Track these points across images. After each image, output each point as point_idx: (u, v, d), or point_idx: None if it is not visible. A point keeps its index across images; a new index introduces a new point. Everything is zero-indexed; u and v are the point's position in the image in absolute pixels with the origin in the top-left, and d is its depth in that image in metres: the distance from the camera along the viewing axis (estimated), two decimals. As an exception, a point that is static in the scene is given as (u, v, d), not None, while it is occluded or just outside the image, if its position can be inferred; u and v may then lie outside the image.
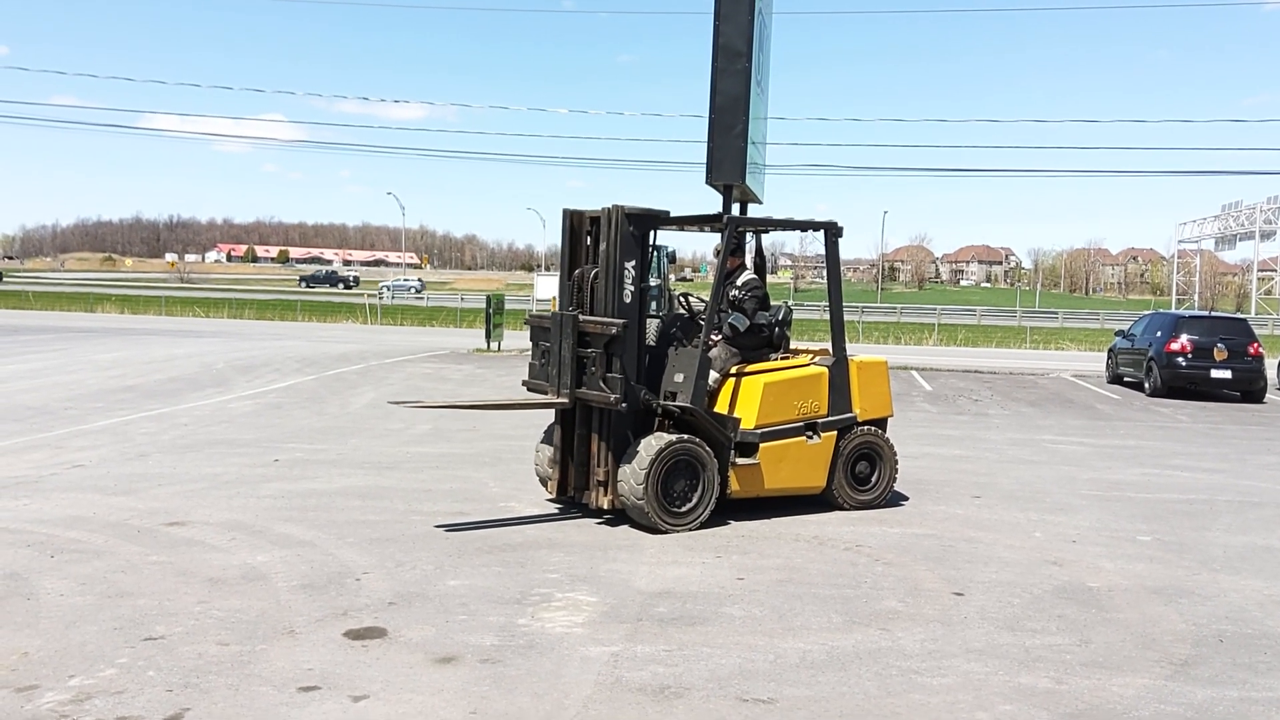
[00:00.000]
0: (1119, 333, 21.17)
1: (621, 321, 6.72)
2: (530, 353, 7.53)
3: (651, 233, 7.17)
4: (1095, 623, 5.27)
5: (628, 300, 6.87)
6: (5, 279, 73.06)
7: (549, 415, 7.48)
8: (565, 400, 6.94)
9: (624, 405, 6.72)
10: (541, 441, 7.69)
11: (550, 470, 7.38)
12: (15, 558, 5.76)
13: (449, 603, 5.22)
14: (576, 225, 7.24)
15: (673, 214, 7.43)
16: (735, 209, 7.86)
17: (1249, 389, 17.58)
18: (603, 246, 6.92)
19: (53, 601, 5.04)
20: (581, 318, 6.90)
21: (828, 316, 8.09)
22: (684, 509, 6.88)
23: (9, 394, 13.02)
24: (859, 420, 7.74)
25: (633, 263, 6.89)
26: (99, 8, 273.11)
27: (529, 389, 7.37)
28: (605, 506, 6.97)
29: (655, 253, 7.54)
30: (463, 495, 7.82)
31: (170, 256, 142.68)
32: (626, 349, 6.77)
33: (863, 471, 7.78)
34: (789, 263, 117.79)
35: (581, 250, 7.23)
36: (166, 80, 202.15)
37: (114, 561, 5.75)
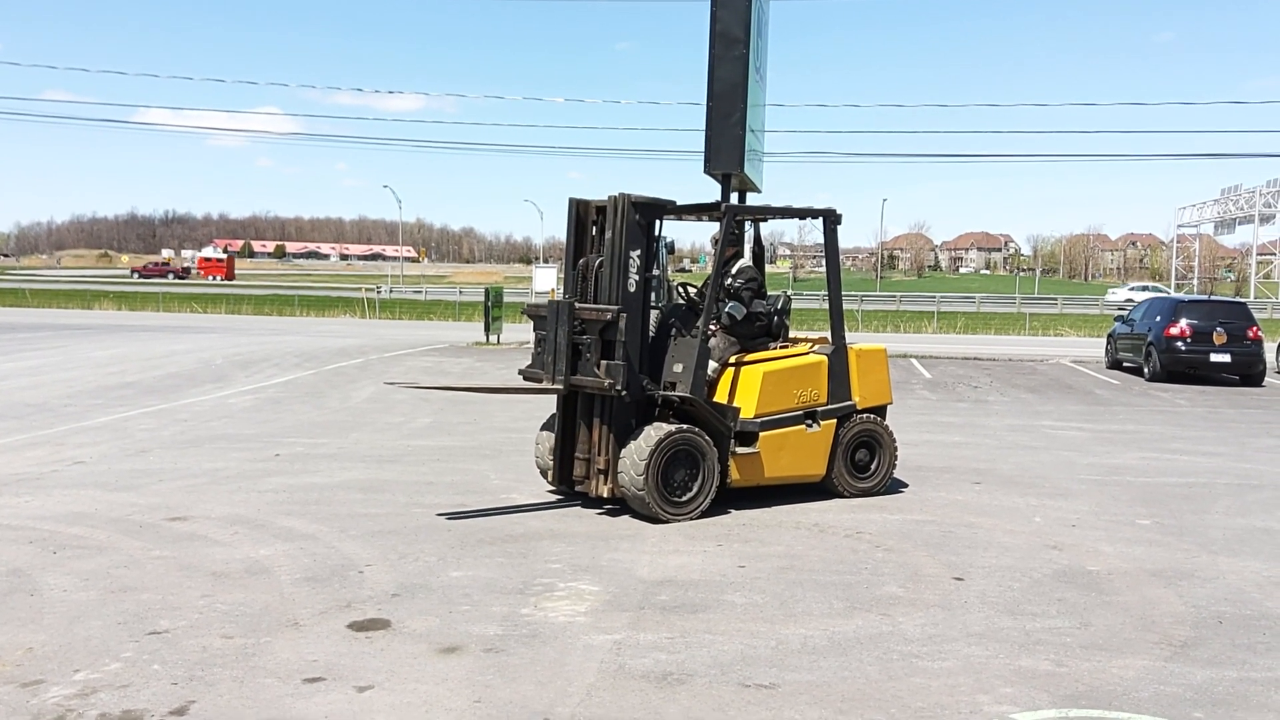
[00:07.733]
0: (1118, 318, 21.17)
1: (616, 307, 6.71)
2: (533, 343, 7.52)
3: (657, 222, 7.16)
4: (1095, 606, 5.30)
5: (632, 289, 6.86)
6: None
7: (550, 407, 7.49)
8: (560, 387, 6.95)
9: (625, 392, 6.71)
10: (542, 429, 7.69)
11: (550, 460, 7.39)
12: (18, 554, 5.78)
13: (452, 593, 5.24)
14: (583, 215, 7.24)
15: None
16: (734, 197, 7.85)
17: (1248, 373, 17.61)
18: (608, 235, 6.91)
19: (56, 597, 5.06)
20: (577, 304, 6.90)
21: (827, 305, 8.08)
22: (684, 498, 6.90)
23: (9, 391, 13.03)
24: (858, 408, 7.75)
25: (638, 251, 6.89)
26: (88, 1, 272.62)
27: (526, 378, 7.37)
28: (605, 495, 6.98)
29: (655, 243, 7.53)
30: (464, 487, 7.84)
31: (167, 252, 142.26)
32: (629, 337, 6.75)
33: (862, 459, 7.80)
34: (788, 252, 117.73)
35: (587, 240, 7.22)
36: (159, 74, 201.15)
37: (117, 557, 5.76)
